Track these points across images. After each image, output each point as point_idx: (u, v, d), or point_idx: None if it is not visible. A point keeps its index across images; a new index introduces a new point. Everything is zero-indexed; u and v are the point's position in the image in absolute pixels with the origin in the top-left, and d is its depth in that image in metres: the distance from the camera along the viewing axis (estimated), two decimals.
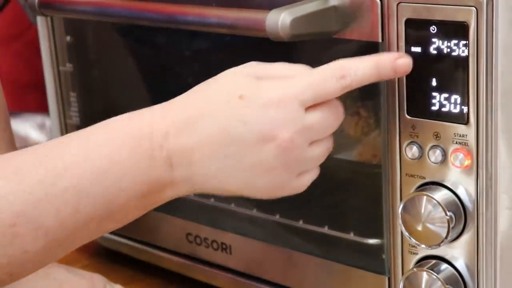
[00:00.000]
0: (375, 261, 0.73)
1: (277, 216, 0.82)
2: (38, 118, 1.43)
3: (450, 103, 0.64)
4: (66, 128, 0.92)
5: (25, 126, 1.43)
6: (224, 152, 0.60)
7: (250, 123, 0.60)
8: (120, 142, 0.60)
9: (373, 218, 0.72)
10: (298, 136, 0.61)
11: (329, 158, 0.86)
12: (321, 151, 0.64)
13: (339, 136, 0.89)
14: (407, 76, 0.66)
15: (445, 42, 0.63)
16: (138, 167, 0.60)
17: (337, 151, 0.87)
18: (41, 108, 1.35)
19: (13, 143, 0.90)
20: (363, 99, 0.90)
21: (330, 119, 0.63)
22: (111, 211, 0.60)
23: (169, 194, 0.62)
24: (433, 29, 0.63)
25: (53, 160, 0.59)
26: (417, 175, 0.67)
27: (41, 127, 1.43)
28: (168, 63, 0.96)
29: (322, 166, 0.80)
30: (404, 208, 0.67)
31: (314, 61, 0.92)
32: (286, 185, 0.63)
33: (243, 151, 0.60)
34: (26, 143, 1.38)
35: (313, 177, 0.65)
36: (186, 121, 0.61)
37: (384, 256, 0.72)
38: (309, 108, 0.61)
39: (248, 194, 0.63)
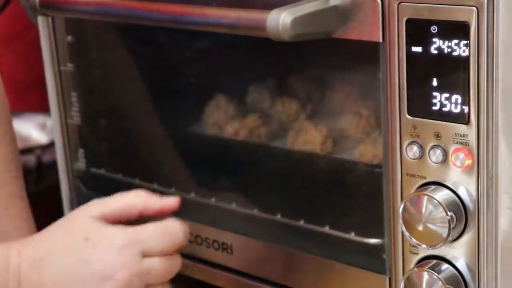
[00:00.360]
0: (376, 261, 0.73)
1: (278, 216, 0.82)
2: (40, 118, 1.43)
3: (451, 103, 0.64)
4: (67, 127, 0.92)
5: (26, 126, 1.43)
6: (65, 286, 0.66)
7: (91, 264, 0.66)
8: None
9: (374, 218, 0.72)
10: (134, 279, 0.67)
11: (330, 158, 0.86)
12: None
13: (340, 136, 0.89)
14: (408, 76, 0.66)
15: (446, 42, 0.63)
16: None
17: (338, 151, 0.87)
18: (43, 108, 1.35)
19: (15, 145, 0.90)
20: (364, 99, 0.90)
21: (166, 267, 0.68)
22: None
23: None
24: (433, 29, 0.63)
25: None
26: (418, 175, 0.67)
27: (43, 127, 1.43)
28: (169, 63, 0.96)
29: (324, 166, 0.81)
30: (404, 208, 0.67)
31: (315, 61, 0.92)
32: None
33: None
34: (28, 143, 1.38)
35: None
36: (38, 257, 0.67)
37: (385, 256, 0.72)
38: (148, 254, 0.68)
39: None
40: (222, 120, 0.94)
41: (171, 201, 0.71)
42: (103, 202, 0.70)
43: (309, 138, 0.87)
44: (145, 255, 0.67)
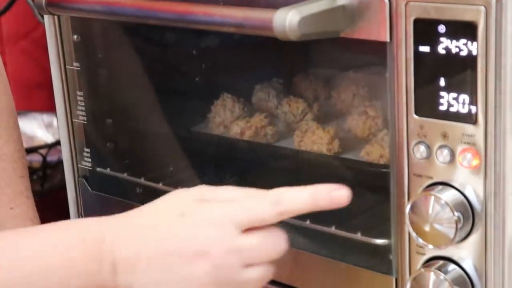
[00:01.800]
0: (382, 261, 0.72)
1: None
2: (46, 117, 1.44)
3: (458, 103, 0.64)
4: (72, 127, 0.92)
5: (32, 125, 1.43)
6: (162, 265, 0.64)
7: (187, 239, 0.64)
8: (74, 244, 0.65)
9: (381, 218, 0.72)
10: (231, 256, 0.64)
11: (337, 158, 0.86)
12: (256, 276, 0.65)
13: (347, 136, 0.89)
14: (415, 76, 0.65)
15: (454, 42, 0.63)
16: (87, 270, 0.65)
17: (344, 151, 0.87)
18: (49, 107, 1.35)
19: (21, 143, 0.90)
20: (371, 98, 0.90)
21: (267, 246, 0.65)
22: None
23: None
24: (441, 28, 0.63)
25: (7, 252, 0.64)
26: (425, 175, 0.67)
27: (48, 126, 1.43)
28: (175, 62, 0.96)
29: (330, 166, 0.80)
30: (411, 208, 0.66)
31: (322, 61, 0.92)
32: None
33: (179, 265, 0.64)
34: (33, 143, 1.38)
35: None
36: (133, 232, 0.66)
37: (391, 257, 0.71)
38: (247, 231, 0.65)
39: None
40: (228, 120, 0.94)
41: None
42: (209, 188, 0.68)
43: (315, 138, 0.87)
44: (244, 231, 0.64)
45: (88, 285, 0.65)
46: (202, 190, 0.68)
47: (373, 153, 0.81)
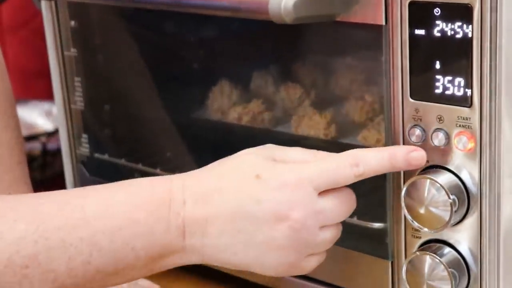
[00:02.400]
0: (378, 245, 0.72)
1: None
2: (45, 106, 1.43)
3: (453, 86, 0.64)
4: (70, 113, 0.92)
5: (32, 113, 1.43)
6: (237, 228, 0.62)
7: (264, 202, 0.62)
8: (140, 204, 0.62)
9: (377, 202, 0.72)
10: (310, 218, 0.63)
11: (334, 142, 0.86)
12: (330, 236, 0.66)
13: (344, 121, 0.89)
14: (411, 59, 0.65)
15: (449, 25, 0.62)
16: (153, 231, 0.62)
17: (341, 136, 0.87)
18: (48, 95, 1.35)
19: (19, 130, 0.90)
20: (368, 84, 0.89)
21: (342, 206, 0.65)
22: (118, 267, 0.62)
23: (177, 261, 0.64)
24: (436, 11, 0.63)
25: (73, 210, 0.61)
26: None
27: (48, 114, 1.43)
28: (173, 48, 0.96)
29: (327, 151, 0.80)
30: (407, 191, 0.66)
31: (319, 46, 0.91)
32: (293, 265, 0.65)
33: (255, 229, 0.62)
34: (33, 131, 1.38)
35: (320, 261, 0.67)
36: (203, 193, 0.63)
37: (387, 240, 0.71)
38: (322, 193, 0.64)
39: (255, 270, 0.65)
40: (225, 106, 0.94)
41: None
42: (278, 148, 0.66)
43: (312, 124, 0.87)
44: (320, 193, 0.63)
45: (154, 246, 0.62)
46: (271, 149, 0.66)
47: (369, 137, 0.81)
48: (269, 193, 0.62)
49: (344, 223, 0.76)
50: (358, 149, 0.65)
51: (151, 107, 0.94)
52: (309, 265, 0.65)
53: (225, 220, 0.62)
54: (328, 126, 0.86)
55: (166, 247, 0.63)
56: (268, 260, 0.63)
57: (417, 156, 0.65)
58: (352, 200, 0.66)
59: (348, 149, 0.84)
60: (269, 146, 0.67)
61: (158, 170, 0.88)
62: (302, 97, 0.94)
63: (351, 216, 0.76)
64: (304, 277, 0.78)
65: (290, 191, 0.62)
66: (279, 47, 0.96)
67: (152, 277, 0.83)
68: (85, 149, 0.93)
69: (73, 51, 0.90)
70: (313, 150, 0.67)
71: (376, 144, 0.80)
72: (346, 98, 0.91)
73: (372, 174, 0.65)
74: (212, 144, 0.91)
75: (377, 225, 0.73)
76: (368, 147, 0.81)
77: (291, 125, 0.88)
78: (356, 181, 0.65)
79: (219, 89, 0.95)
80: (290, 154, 0.66)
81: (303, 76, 0.97)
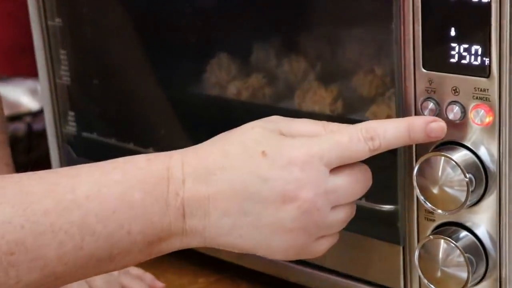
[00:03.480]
0: (389, 229, 0.72)
1: None
2: (30, 83, 1.43)
3: (470, 54, 0.63)
4: (56, 88, 0.92)
5: (16, 91, 1.43)
6: (242, 208, 0.62)
7: (271, 181, 0.61)
8: (135, 184, 0.61)
9: (387, 183, 0.71)
10: (320, 198, 0.62)
11: (340, 118, 0.86)
12: (343, 217, 0.65)
13: (352, 96, 0.88)
14: (423, 25, 0.64)
15: None
16: (150, 212, 0.61)
17: (349, 112, 0.86)
18: (33, 73, 1.35)
19: (1, 108, 0.89)
20: (378, 55, 0.89)
21: (356, 184, 0.64)
22: (113, 253, 0.61)
23: (176, 245, 0.63)
24: None
25: (62, 192, 0.60)
26: None
27: (33, 92, 1.42)
28: (167, 18, 0.95)
29: None
30: (419, 170, 0.66)
31: (325, 16, 0.91)
32: (303, 248, 0.64)
33: (262, 210, 0.61)
34: (17, 110, 1.38)
35: (332, 243, 0.66)
36: (205, 171, 0.62)
37: (399, 224, 0.71)
38: (335, 170, 0.63)
39: (262, 254, 0.64)
40: (224, 80, 0.93)
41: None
42: (283, 120, 0.65)
43: (317, 99, 0.86)
44: (331, 170, 0.62)
45: (151, 229, 0.61)
46: (278, 122, 0.65)
47: (379, 113, 0.80)
48: (276, 171, 0.61)
49: None
50: (372, 121, 0.64)
51: (143, 81, 0.93)
52: (320, 248, 0.65)
53: (228, 200, 0.62)
54: (335, 101, 0.86)
55: (165, 230, 0.62)
56: (275, 243, 0.63)
57: (437, 127, 0.64)
58: (367, 177, 0.65)
59: None
60: (275, 118, 0.66)
61: (151, 150, 0.88)
62: (307, 71, 0.93)
63: (359, 197, 0.76)
64: (309, 264, 0.78)
65: (298, 169, 0.61)
66: (282, 17, 0.95)
67: (144, 265, 0.83)
68: (71, 127, 0.92)
69: (58, 21, 0.90)
70: (322, 122, 0.66)
71: None
72: (354, 71, 0.90)
73: (389, 148, 0.64)
74: (209, 121, 0.90)
75: (387, 207, 0.73)
76: None
77: (294, 101, 0.88)
78: (371, 155, 0.64)
79: (217, 62, 0.95)
80: (297, 127, 0.65)
81: (308, 47, 0.97)
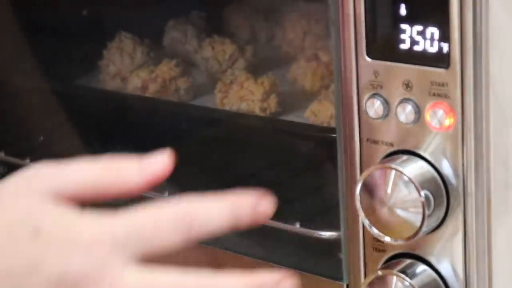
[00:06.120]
0: (329, 262, 0.73)
1: None
2: None
3: (424, 38, 0.64)
4: None
5: None
6: None
7: (45, 267, 0.60)
8: None
9: (326, 203, 0.73)
10: None
11: (273, 120, 0.87)
12: None
13: (289, 90, 0.89)
14: (366, 3, 0.65)
15: None
16: None
17: (284, 111, 0.88)
18: None
19: None
20: (326, 38, 0.90)
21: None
22: None
23: None
24: None
25: None
26: (383, 141, 0.67)
27: None
28: None
29: (263, 131, 0.80)
30: (363, 187, 0.66)
31: None
32: None
33: None
34: None
35: None
36: None
37: (341, 256, 0.72)
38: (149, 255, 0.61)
39: None
40: (126, 69, 0.94)
41: (159, 163, 0.61)
42: (58, 172, 0.61)
43: (244, 93, 0.87)
44: (144, 256, 0.59)
45: None
46: (46, 180, 0.62)
47: (321, 112, 0.81)
48: (54, 253, 0.60)
49: (284, 233, 0.77)
50: (189, 199, 0.63)
51: (19, 71, 0.94)
52: None
53: None
54: (267, 96, 0.87)
55: None
56: None
57: (265, 206, 0.61)
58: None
59: (291, 129, 0.85)
60: (43, 171, 0.62)
61: (27, 161, 0.88)
62: (234, 57, 0.94)
63: (292, 222, 0.77)
64: None
65: (84, 252, 0.60)
66: None
67: None
68: None
69: None
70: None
71: (330, 121, 0.81)
72: (296, 58, 0.92)
73: (206, 237, 0.63)
74: (103, 123, 0.91)
75: (327, 234, 0.74)
76: (318, 124, 0.81)
77: (214, 96, 0.89)
78: (182, 247, 0.63)
79: (117, 45, 0.95)
80: (75, 182, 0.64)
81: (238, 27, 0.98)
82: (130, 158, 0.60)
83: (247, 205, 0.61)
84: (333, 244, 0.73)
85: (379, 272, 0.68)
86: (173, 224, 0.61)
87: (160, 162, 0.62)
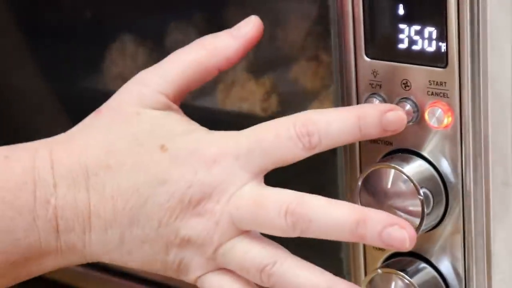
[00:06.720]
0: (330, 261, 0.73)
1: None
2: None
3: (423, 38, 0.64)
4: None
5: None
6: (131, 218, 0.62)
7: (171, 183, 0.61)
8: None
9: None
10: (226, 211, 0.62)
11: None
12: (251, 251, 0.65)
13: (290, 90, 0.90)
14: (365, 3, 0.66)
15: None
16: (13, 227, 0.61)
17: (285, 110, 0.87)
18: None
19: None
20: (326, 37, 0.90)
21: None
22: None
23: (50, 264, 0.64)
24: None
25: None
26: (382, 141, 0.68)
27: None
28: None
29: None
30: (363, 186, 0.67)
31: None
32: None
33: (157, 219, 0.61)
34: None
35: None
36: (83, 172, 0.62)
37: (342, 255, 0.72)
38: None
39: (157, 271, 0.64)
40: (128, 71, 0.94)
41: (249, 25, 0.64)
42: (160, 73, 0.64)
43: (246, 94, 0.87)
44: (267, 169, 0.62)
45: (15, 248, 0.62)
46: (151, 83, 0.64)
47: None
48: (177, 171, 0.61)
49: None
50: (311, 111, 0.63)
51: (19, 73, 0.94)
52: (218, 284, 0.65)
53: (115, 209, 0.62)
54: (268, 97, 0.87)
55: (33, 248, 0.62)
56: (171, 259, 0.63)
57: (394, 117, 0.63)
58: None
59: None
60: (145, 80, 0.66)
61: None
62: None
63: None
64: None
65: (205, 170, 0.61)
66: None
67: None
68: None
69: None
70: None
71: None
72: (297, 58, 0.91)
73: (332, 146, 0.63)
74: None
75: None
76: None
77: (216, 97, 0.89)
78: (308, 156, 0.63)
79: (119, 47, 0.95)
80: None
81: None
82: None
83: (374, 114, 0.63)
84: (333, 243, 0.73)
85: (379, 271, 0.68)
86: (293, 134, 0.62)
87: (249, 24, 0.63)
